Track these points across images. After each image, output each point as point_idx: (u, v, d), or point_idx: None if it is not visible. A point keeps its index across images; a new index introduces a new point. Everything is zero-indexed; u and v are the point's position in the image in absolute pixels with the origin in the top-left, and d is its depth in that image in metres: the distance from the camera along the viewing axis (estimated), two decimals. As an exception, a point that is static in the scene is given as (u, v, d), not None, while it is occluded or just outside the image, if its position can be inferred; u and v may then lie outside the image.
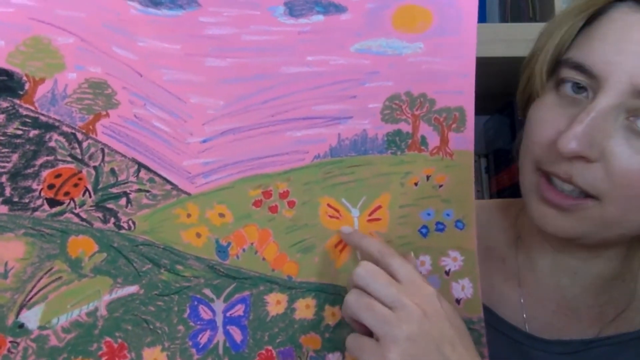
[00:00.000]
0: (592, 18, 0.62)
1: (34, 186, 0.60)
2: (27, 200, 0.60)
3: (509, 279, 0.74)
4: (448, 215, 0.70)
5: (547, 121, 0.63)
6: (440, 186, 0.69)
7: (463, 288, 0.69)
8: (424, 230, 0.69)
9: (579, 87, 0.61)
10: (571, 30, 0.63)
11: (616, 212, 0.60)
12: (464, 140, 0.69)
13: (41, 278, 0.60)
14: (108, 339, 0.61)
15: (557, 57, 0.64)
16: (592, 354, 0.69)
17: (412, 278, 0.61)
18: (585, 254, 0.69)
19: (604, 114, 0.58)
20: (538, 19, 1.17)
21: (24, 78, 0.60)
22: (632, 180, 0.58)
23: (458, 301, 0.68)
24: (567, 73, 0.62)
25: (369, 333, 0.60)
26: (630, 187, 0.59)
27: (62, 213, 0.61)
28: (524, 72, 0.69)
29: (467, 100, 0.69)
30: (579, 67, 0.60)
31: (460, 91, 0.69)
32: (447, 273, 0.69)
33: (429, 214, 0.69)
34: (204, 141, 0.65)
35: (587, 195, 0.60)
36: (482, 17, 1.30)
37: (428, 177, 0.69)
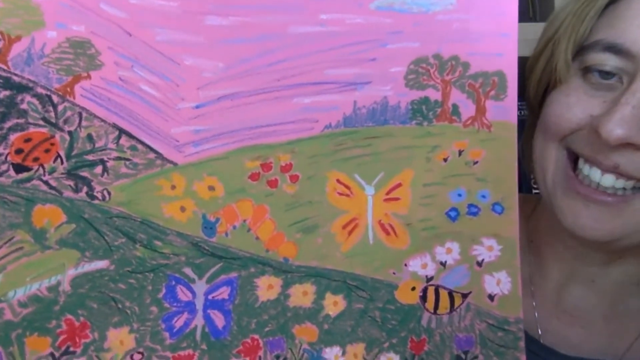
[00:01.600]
0: None
1: (1, 150, 0.55)
2: None
3: (523, 288, 0.65)
4: (484, 197, 0.59)
5: (577, 105, 0.58)
6: (475, 163, 0.59)
7: (499, 282, 0.58)
8: (452, 214, 0.58)
9: (607, 73, 0.56)
10: (596, 10, 0.58)
11: None
12: (505, 110, 0.59)
13: (0, 247, 0.54)
14: (69, 316, 0.55)
15: (581, 41, 0.59)
16: None
17: None
18: (605, 259, 0.63)
19: None
20: (538, 19, 1.14)
21: None
22: None
23: (491, 297, 0.58)
24: (596, 58, 0.57)
25: None
26: None
27: (29, 180, 0.55)
28: (538, 61, 0.64)
29: (509, 64, 0.58)
30: (613, 48, 0.55)
31: (499, 53, 0.59)
32: (479, 264, 0.58)
33: (459, 195, 0.59)
34: (197, 107, 0.59)
35: (631, 188, 0.56)
36: None
37: (460, 152, 0.59)
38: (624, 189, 0.57)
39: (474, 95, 0.59)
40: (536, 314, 0.67)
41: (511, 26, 0.59)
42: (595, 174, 0.57)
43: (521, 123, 0.63)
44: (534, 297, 0.68)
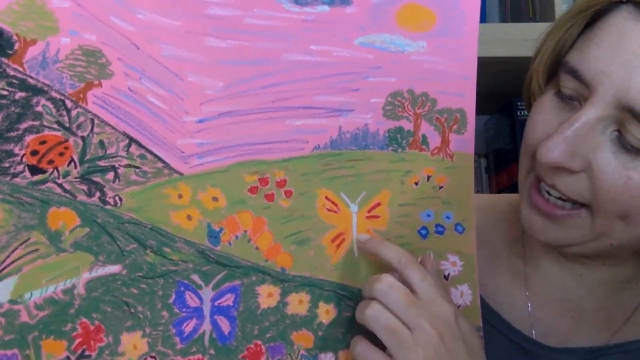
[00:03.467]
0: (595, 19, 0.63)
1: (16, 150, 0.59)
2: (7, 165, 0.58)
3: (516, 279, 0.76)
4: (448, 217, 0.72)
5: (540, 123, 0.64)
6: (441, 187, 0.72)
7: (462, 294, 0.70)
8: (423, 232, 0.71)
9: (567, 95, 0.62)
10: (571, 31, 0.64)
11: (603, 223, 0.62)
12: (465, 142, 0.72)
13: (16, 248, 0.57)
14: (84, 319, 0.59)
15: (557, 58, 0.65)
16: None
17: (431, 295, 0.63)
18: (588, 261, 0.71)
19: (589, 125, 0.59)
20: (538, 19, 1.25)
21: (14, 37, 0.59)
22: (617, 195, 0.59)
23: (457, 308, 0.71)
24: (564, 78, 0.62)
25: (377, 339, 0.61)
26: (614, 201, 0.60)
27: (44, 182, 0.59)
28: (528, 72, 0.71)
29: (468, 103, 0.72)
30: (573, 72, 0.61)
31: (461, 93, 0.72)
32: (446, 278, 0.70)
33: (428, 215, 0.72)
34: (201, 121, 0.66)
35: (574, 203, 0.62)
36: (482, 17, 1.35)
37: (429, 177, 0.72)
38: (570, 202, 0.63)
39: (440, 128, 0.73)
40: (529, 304, 0.74)
41: (471, 70, 0.73)
42: (545, 187, 0.64)
43: (522, 124, 0.75)
44: (527, 287, 0.75)
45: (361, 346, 0.62)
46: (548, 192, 0.64)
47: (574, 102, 0.62)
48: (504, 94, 1.25)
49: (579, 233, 0.64)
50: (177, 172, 0.64)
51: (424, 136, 0.71)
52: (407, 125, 0.70)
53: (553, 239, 0.66)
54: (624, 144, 0.59)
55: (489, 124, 1.45)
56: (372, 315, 0.60)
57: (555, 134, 0.60)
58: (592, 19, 0.63)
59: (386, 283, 0.62)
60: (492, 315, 0.73)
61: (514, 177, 1.32)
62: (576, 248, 0.66)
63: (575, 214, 0.63)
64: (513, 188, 1.30)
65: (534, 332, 0.73)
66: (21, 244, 0.58)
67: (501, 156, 1.39)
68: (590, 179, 0.60)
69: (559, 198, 0.63)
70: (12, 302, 0.57)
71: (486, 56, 1.08)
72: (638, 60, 0.57)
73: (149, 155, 0.63)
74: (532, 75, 0.70)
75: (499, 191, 1.37)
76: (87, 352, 0.59)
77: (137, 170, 0.62)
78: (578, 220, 0.63)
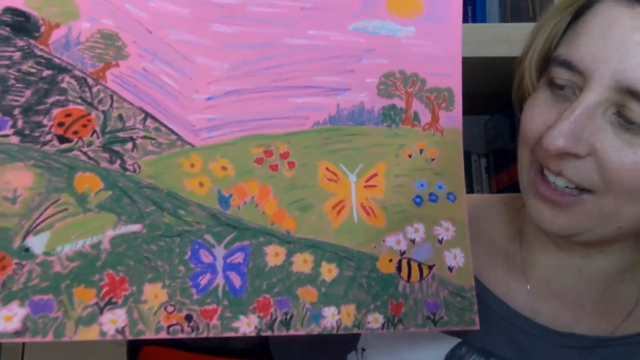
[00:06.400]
0: (580, 13, 0.71)
1: (45, 122, 0.72)
2: (37, 134, 0.72)
3: (515, 272, 0.85)
4: (440, 187, 0.86)
5: (538, 116, 0.72)
6: (433, 160, 0.86)
7: (455, 257, 0.83)
8: (417, 200, 0.84)
9: (562, 86, 0.70)
10: (558, 26, 0.73)
11: (613, 205, 0.69)
12: (453, 118, 0.87)
13: (48, 207, 0.70)
14: (110, 271, 0.72)
15: (546, 55, 0.74)
16: (606, 352, 0.78)
17: None
18: (586, 251, 0.79)
19: (589, 111, 0.67)
20: (538, 19, 1.33)
21: (40, 21, 0.73)
22: (624, 174, 0.67)
23: (451, 269, 0.82)
24: (556, 71, 0.70)
25: None
26: (623, 181, 0.67)
27: (70, 150, 0.73)
28: (516, 72, 0.80)
29: (455, 82, 0.86)
30: (566, 64, 0.69)
31: (448, 74, 0.86)
32: (440, 242, 0.83)
33: (422, 185, 0.85)
34: (209, 99, 0.80)
35: (582, 189, 0.69)
36: (482, 17, 1.50)
37: (421, 151, 0.85)
38: (577, 189, 0.70)
39: (430, 105, 0.88)
40: (530, 296, 0.83)
41: (456, 51, 0.88)
42: (551, 177, 0.71)
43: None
44: (527, 280, 0.84)
45: None
46: (554, 182, 0.71)
47: (568, 94, 0.70)
48: (504, 94, 1.29)
49: (588, 218, 0.72)
50: (189, 144, 0.78)
51: (415, 113, 0.86)
52: (400, 103, 0.85)
53: (564, 227, 0.73)
54: (623, 124, 0.67)
55: (489, 124, 1.57)
56: None
57: (559, 122, 0.68)
58: (577, 14, 0.72)
59: None
60: (494, 302, 0.83)
61: (514, 177, 1.39)
62: (584, 236, 0.74)
63: (583, 200, 0.70)
64: (513, 188, 1.40)
65: (536, 320, 0.81)
66: (52, 204, 0.71)
67: (501, 156, 1.51)
68: (598, 162, 0.68)
69: (566, 186, 0.71)
70: (46, 253, 0.69)
71: (486, 56, 1.16)
72: (630, 42, 0.65)
73: (163, 129, 0.77)
74: (522, 74, 0.79)
75: (499, 191, 1.47)
76: (113, 300, 0.71)
77: (153, 141, 0.76)
78: (587, 206, 0.71)
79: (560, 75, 0.71)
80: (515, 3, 1.51)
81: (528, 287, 0.84)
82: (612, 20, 0.67)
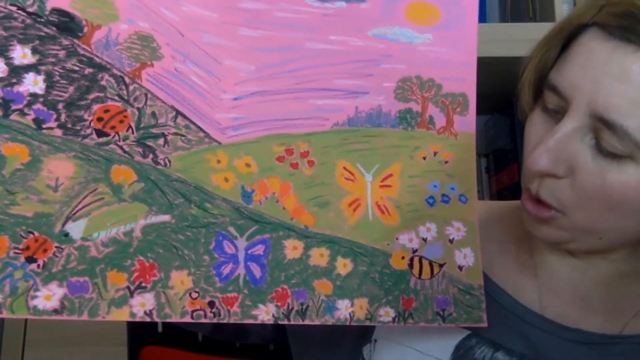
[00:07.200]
0: (569, 40, 0.76)
1: (85, 117, 0.79)
2: (78, 128, 0.79)
3: (525, 270, 0.88)
4: (452, 189, 0.92)
5: (533, 137, 0.77)
6: (446, 162, 0.92)
7: (465, 256, 0.89)
8: (430, 200, 0.90)
9: (551, 109, 0.75)
10: (549, 52, 0.78)
11: (585, 222, 0.75)
12: (467, 123, 0.93)
13: (86, 196, 0.77)
14: (141, 257, 0.78)
15: (540, 77, 0.79)
16: (614, 349, 0.80)
17: None
18: (587, 256, 0.83)
19: (568, 134, 0.72)
20: (538, 19, 1.38)
21: (84, 22, 0.80)
22: (595, 194, 0.72)
23: (460, 268, 0.88)
24: (547, 95, 0.75)
25: None
26: (593, 199, 0.72)
27: (107, 143, 0.80)
28: (519, 90, 0.84)
29: (469, 87, 0.93)
30: (553, 89, 0.74)
31: (463, 79, 0.93)
32: (451, 241, 0.89)
33: (435, 186, 0.91)
34: (235, 99, 0.86)
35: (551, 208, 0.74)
36: (482, 17, 1.55)
37: (435, 153, 0.92)
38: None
39: (445, 110, 0.93)
40: (539, 292, 0.86)
41: (471, 58, 0.94)
42: (532, 191, 0.77)
43: (522, 124, 0.90)
44: (536, 277, 0.87)
45: None
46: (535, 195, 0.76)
47: (558, 115, 0.75)
48: (504, 94, 1.40)
49: (564, 232, 0.78)
50: (216, 141, 0.85)
51: (430, 117, 0.92)
52: (416, 107, 0.92)
53: (549, 237, 0.80)
54: (600, 150, 0.71)
55: (489, 124, 1.62)
56: None
57: (540, 144, 0.73)
58: (567, 41, 0.77)
59: None
60: (506, 299, 0.87)
61: (514, 177, 1.49)
62: (570, 245, 0.80)
63: (557, 215, 0.76)
64: (513, 188, 1.48)
65: (545, 317, 0.84)
66: (90, 193, 0.78)
67: (501, 156, 1.56)
68: (572, 183, 0.73)
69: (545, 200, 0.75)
70: (83, 239, 0.76)
71: (486, 56, 1.16)
72: (603, 75, 0.70)
73: (192, 126, 0.84)
74: (520, 96, 0.83)
75: (499, 191, 1.53)
76: (143, 284, 0.78)
77: (183, 138, 0.83)
78: (561, 221, 0.76)
79: (550, 99, 0.76)
80: (515, 3, 1.54)
81: (537, 284, 0.87)
82: (590, 52, 0.72)
